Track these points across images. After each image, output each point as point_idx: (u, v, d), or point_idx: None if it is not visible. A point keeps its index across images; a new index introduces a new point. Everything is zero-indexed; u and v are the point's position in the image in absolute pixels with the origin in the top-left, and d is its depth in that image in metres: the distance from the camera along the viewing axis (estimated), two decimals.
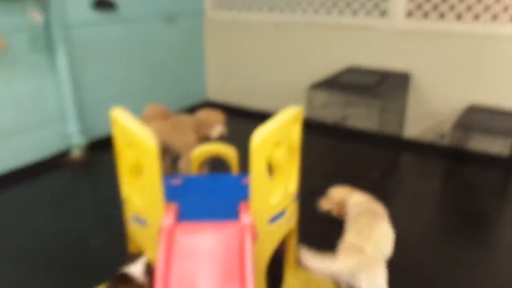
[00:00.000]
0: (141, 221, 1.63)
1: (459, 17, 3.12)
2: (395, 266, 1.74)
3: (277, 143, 1.54)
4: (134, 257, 1.72)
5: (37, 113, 3.08)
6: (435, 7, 3.18)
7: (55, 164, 3.22)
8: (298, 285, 1.95)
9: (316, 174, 3.13)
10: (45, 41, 2.96)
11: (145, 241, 1.68)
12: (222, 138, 2.60)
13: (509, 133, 2.73)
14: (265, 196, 1.56)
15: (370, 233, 1.66)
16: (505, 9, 2.95)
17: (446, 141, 3.29)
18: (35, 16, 2.87)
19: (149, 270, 1.63)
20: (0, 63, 2.77)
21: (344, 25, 3.58)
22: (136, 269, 1.64)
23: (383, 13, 3.41)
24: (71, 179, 3.10)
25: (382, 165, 3.19)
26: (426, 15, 3.23)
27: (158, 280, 1.40)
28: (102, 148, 3.41)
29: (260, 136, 1.47)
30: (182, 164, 2.73)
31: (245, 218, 1.56)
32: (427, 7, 3.21)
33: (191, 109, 4.27)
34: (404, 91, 3.35)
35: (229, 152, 2.20)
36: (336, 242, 1.98)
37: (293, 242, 1.93)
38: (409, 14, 3.29)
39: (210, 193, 1.83)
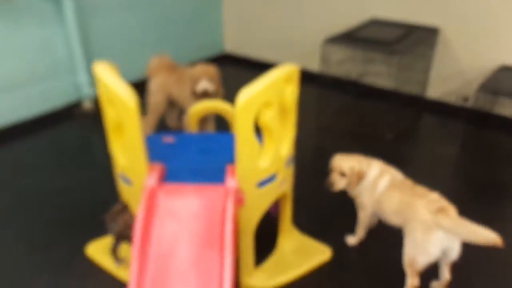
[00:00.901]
0: (127, 180, 1.60)
1: None
2: (400, 236, 1.66)
3: (266, 103, 1.43)
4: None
5: (46, 64, 3.04)
6: None
7: (66, 115, 3.23)
8: (291, 250, 1.90)
9: (329, 134, 3.01)
10: None
11: (131, 200, 1.65)
12: (207, 95, 2.46)
13: None
14: (251, 159, 1.48)
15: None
16: None
17: (469, 104, 3.05)
18: None
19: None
20: (5, 12, 2.71)
21: None
22: None
23: None
24: (80, 131, 3.10)
25: (399, 127, 3.01)
26: None
27: (136, 242, 1.37)
28: None
29: (246, 96, 1.37)
30: (185, 119, 2.66)
31: (230, 182, 1.49)
32: None
33: (208, 61, 4.13)
34: (430, 47, 3.09)
35: (228, 109, 2.10)
36: (346, 206, 1.88)
37: (288, 206, 1.86)
38: None
39: (201, 153, 1.76)
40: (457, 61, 3.10)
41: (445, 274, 1.67)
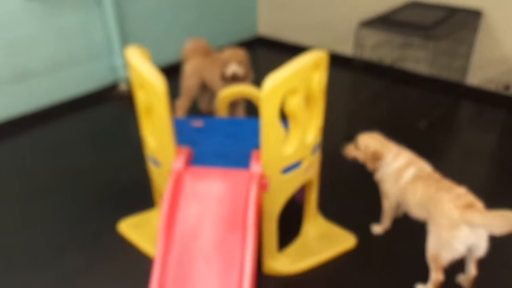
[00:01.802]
0: (156, 162, 1.65)
1: None
2: (426, 227, 1.64)
3: (292, 90, 1.43)
4: None
5: (84, 47, 3.15)
6: None
7: (103, 97, 3.34)
8: (316, 236, 1.91)
9: (361, 120, 2.96)
10: None
11: (159, 181, 1.71)
12: (236, 79, 2.47)
13: None
14: (276, 145, 1.49)
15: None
16: None
17: (511, 92, 2.90)
18: None
19: None
20: None
21: None
22: None
23: None
24: (116, 112, 3.20)
25: (433, 115, 2.92)
26: None
27: (162, 221, 1.43)
28: None
29: (272, 82, 1.37)
30: (216, 103, 2.69)
31: (254, 167, 1.51)
32: None
33: (242, 45, 4.13)
34: (471, 31, 2.95)
35: (256, 94, 2.11)
36: (373, 194, 1.87)
37: (313, 193, 1.87)
38: None
39: (228, 137, 1.79)
40: (500, 46, 2.94)
41: (471, 270, 1.63)
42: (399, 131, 2.75)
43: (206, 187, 1.50)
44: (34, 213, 2.14)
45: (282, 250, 1.82)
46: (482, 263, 1.64)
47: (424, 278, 1.66)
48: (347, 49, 3.63)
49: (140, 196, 2.20)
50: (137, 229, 1.96)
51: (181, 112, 2.81)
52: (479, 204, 1.51)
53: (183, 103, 2.80)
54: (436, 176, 1.70)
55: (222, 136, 1.79)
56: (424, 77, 3.18)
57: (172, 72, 3.11)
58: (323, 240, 1.90)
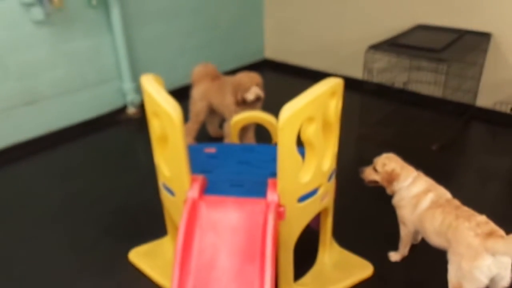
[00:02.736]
0: (169, 190, 1.62)
1: None
2: (445, 254, 1.59)
3: (309, 118, 1.41)
4: None
5: (94, 71, 3.17)
6: None
7: (111, 121, 3.34)
8: (332, 264, 1.86)
9: (372, 143, 2.94)
10: None
11: (173, 210, 1.68)
12: (258, 101, 2.49)
13: None
14: (293, 174, 1.46)
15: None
16: None
17: None
18: None
19: None
20: (58, 21, 2.84)
21: None
22: None
23: None
24: (125, 135, 3.20)
25: (445, 137, 2.89)
26: None
27: (178, 253, 1.39)
28: None
29: (290, 111, 1.35)
30: (226, 128, 2.68)
31: (271, 196, 1.48)
32: None
33: (249, 68, 4.15)
34: (481, 54, 2.95)
35: (270, 120, 2.10)
36: (390, 220, 1.83)
37: (328, 220, 1.83)
38: None
39: (242, 164, 1.76)
40: (510, 68, 2.94)
41: None
42: (411, 154, 2.70)
43: (222, 217, 1.47)
44: (44, 239, 2.11)
45: (298, 280, 1.78)
46: None
47: None
48: (355, 72, 3.63)
49: (151, 224, 2.17)
50: (148, 259, 1.92)
51: (190, 136, 2.80)
52: (500, 232, 1.47)
53: (192, 127, 2.79)
54: (456, 202, 1.66)
55: (235, 163, 1.77)
56: (435, 99, 3.17)
57: (180, 97, 3.11)
58: (340, 269, 1.85)
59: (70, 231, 2.17)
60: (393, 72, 3.27)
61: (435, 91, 3.07)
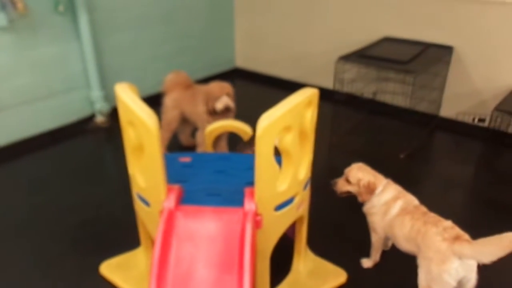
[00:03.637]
0: (144, 201, 1.59)
1: None
2: (416, 259, 1.64)
3: (287, 127, 1.43)
4: None
5: (61, 79, 3.07)
6: None
7: (79, 130, 3.25)
8: (306, 272, 1.88)
9: (342, 152, 3.00)
10: (67, 4, 2.90)
11: (148, 220, 1.64)
12: (229, 111, 2.49)
13: None
14: (271, 183, 1.47)
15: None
16: None
17: (485, 124, 3.03)
18: None
19: None
20: (22, 27, 2.75)
21: None
22: None
23: None
24: (93, 145, 3.12)
25: (412, 146, 2.99)
26: None
27: (154, 264, 1.36)
28: None
29: (268, 120, 1.36)
30: (199, 137, 2.67)
31: (248, 205, 1.48)
32: None
33: (220, 77, 4.16)
34: (444, 66, 3.08)
35: (244, 129, 2.10)
36: (362, 227, 1.87)
37: (304, 229, 1.85)
38: None
39: (218, 173, 1.76)
40: (471, 80, 3.09)
41: None
42: (380, 162, 2.78)
43: (199, 227, 1.46)
44: (7, 255, 2.01)
45: None
46: None
47: None
48: (325, 82, 3.71)
49: (122, 236, 2.12)
50: (121, 271, 1.87)
51: (162, 145, 2.76)
52: (466, 236, 1.53)
53: (163, 136, 2.76)
54: (423, 209, 1.72)
55: (211, 172, 1.76)
56: (402, 109, 3.28)
57: (150, 105, 3.07)
58: (314, 276, 1.87)
59: (36, 246, 2.08)
60: (363, 83, 3.36)
61: (402, 101, 3.18)
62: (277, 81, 4.20)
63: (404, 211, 1.71)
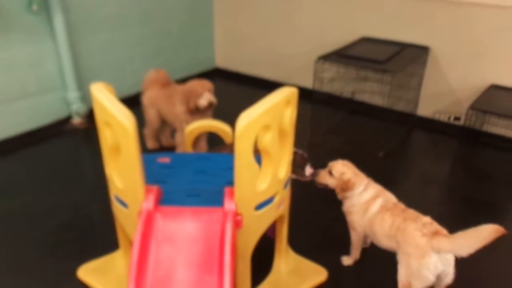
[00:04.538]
0: (122, 202, 1.57)
1: None
2: (395, 255, 1.66)
3: (266, 126, 1.42)
4: None
5: (36, 79, 3.00)
6: None
7: (55, 131, 3.17)
8: (287, 271, 1.88)
9: (322, 151, 3.02)
10: (41, 4, 2.83)
11: (126, 222, 1.62)
12: (211, 108, 2.49)
13: None
14: (251, 182, 1.46)
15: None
16: None
17: (461, 122, 3.11)
18: None
19: None
20: None
21: None
22: None
23: None
24: (70, 147, 3.05)
25: (390, 145, 3.04)
26: None
27: (132, 267, 1.34)
28: None
29: (247, 119, 1.36)
30: (178, 137, 2.64)
31: (228, 204, 1.47)
32: None
33: (200, 77, 4.12)
34: (421, 66, 3.14)
35: (223, 128, 2.09)
36: (342, 226, 1.88)
37: (284, 228, 1.85)
38: None
39: (198, 173, 1.74)
40: (447, 79, 3.15)
41: None
42: (359, 160, 2.81)
43: (178, 227, 1.44)
44: None
45: None
46: None
47: None
48: (305, 82, 3.73)
49: (99, 239, 2.08)
50: (99, 275, 1.83)
51: (152, 140, 2.78)
52: (444, 231, 1.56)
53: (149, 133, 2.78)
54: (401, 206, 1.74)
55: (190, 173, 1.74)
56: (380, 108, 3.33)
57: (128, 105, 3.03)
58: (295, 275, 1.88)
59: (12, 251, 2.02)
60: (342, 82, 3.39)
61: (380, 101, 3.22)
62: (257, 81, 4.20)
63: (384, 208, 1.74)
